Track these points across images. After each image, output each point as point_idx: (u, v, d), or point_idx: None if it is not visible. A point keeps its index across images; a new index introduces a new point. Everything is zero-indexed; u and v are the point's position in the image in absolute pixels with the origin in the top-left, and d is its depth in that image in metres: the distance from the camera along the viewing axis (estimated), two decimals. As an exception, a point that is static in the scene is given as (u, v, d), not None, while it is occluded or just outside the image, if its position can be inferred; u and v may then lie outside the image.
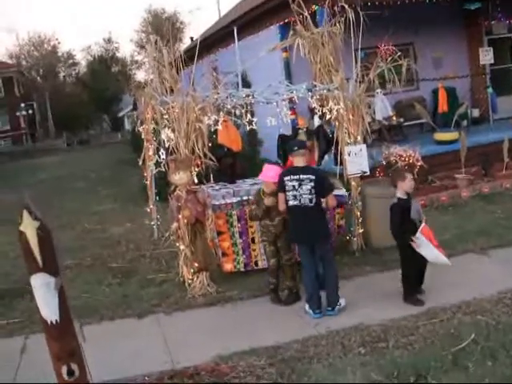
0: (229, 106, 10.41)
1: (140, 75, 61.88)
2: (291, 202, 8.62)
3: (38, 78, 65.46)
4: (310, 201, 8.47)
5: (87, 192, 22.02)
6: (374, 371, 6.82)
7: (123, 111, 63.25)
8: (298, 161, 8.71)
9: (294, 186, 8.53)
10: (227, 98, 10.29)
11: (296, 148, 8.75)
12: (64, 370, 4.77)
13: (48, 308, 4.63)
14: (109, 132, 64.57)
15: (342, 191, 10.67)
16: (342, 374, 6.88)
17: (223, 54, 23.54)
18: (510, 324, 7.64)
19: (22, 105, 57.48)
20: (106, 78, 63.90)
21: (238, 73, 13.16)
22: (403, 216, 8.44)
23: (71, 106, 59.47)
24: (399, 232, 8.51)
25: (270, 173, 9.15)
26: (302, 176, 8.51)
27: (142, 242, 13.47)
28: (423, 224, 8.38)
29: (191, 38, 35.55)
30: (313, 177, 8.47)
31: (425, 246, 8.34)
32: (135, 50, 68.67)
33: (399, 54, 11.05)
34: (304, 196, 8.48)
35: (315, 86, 11.10)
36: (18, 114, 57.50)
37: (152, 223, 13.30)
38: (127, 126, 55.70)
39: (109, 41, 68.66)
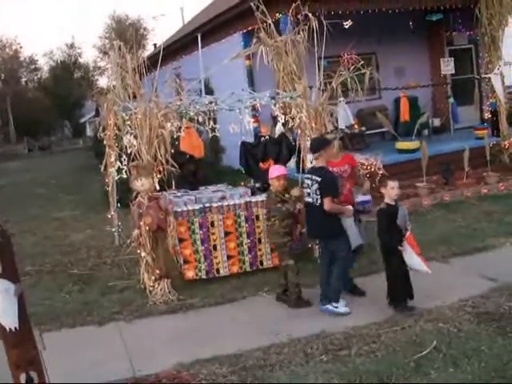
0: (192, 113, 10.40)
1: (103, 81, 61.37)
2: (306, 199, 9.09)
3: (0, 82, 64.78)
4: (317, 200, 8.78)
5: (48, 198, 21.77)
6: (336, 379, 6.80)
7: (85, 117, 62.84)
8: (318, 161, 9.06)
9: (308, 185, 8.99)
10: (190, 104, 10.27)
11: (315, 148, 9.07)
12: (23, 377, 4.69)
13: (7, 315, 4.56)
14: (70, 138, 63.95)
15: (367, 197, 10.55)
16: (303, 381, 6.86)
17: (187, 61, 23.50)
18: (472, 332, 7.69)
19: (-17, 109, 57.00)
20: (69, 84, 63.29)
21: (201, 80, 13.14)
22: (390, 222, 8.46)
23: (33, 111, 58.79)
24: (385, 237, 8.55)
25: (274, 173, 9.43)
26: (313, 176, 8.93)
27: (103, 248, 13.34)
28: (408, 232, 8.43)
29: (154, 45, 35.46)
30: (318, 179, 8.78)
31: (409, 253, 8.41)
32: (98, 56, 68.29)
33: (362, 62, 11.11)
34: (314, 195, 8.83)
35: (278, 93, 11.13)
36: (-22, 118, 57.06)
37: (113, 230, 13.23)
38: (89, 132, 55.35)
39: (71, 46, 68.04)
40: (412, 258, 8.42)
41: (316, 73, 11.44)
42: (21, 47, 67.74)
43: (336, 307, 8.80)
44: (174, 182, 11.95)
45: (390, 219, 8.47)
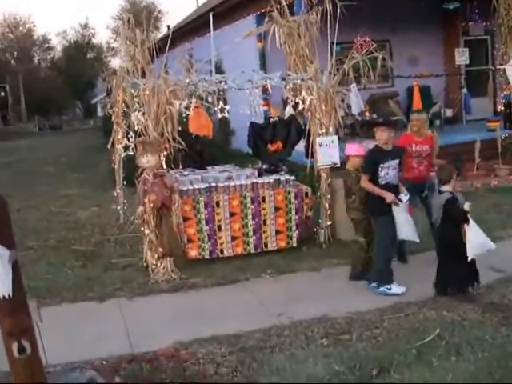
0: (201, 91, 10.29)
1: (115, 62, 61.26)
2: None
3: (12, 60, 64.69)
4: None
5: (56, 176, 21.72)
6: (336, 363, 6.72)
7: (97, 98, 62.71)
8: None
9: None
10: (199, 82, 10.16)
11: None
12: (15, 346, 4.59)
13: (0, 281, 4.46)
14: (81, 118, 63.85)
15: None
16: (303, 364, 6.78)
17: (199, 43, 23.35)
18: (476, 321, 7.60)
19: (-6, 87, 56.87)
20: (81, 64, 63.25)
21: (212, 60, 13.04)
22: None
23: (45, 90, 58.68)
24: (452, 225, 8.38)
25: (350, 149, 9.49)
26: None
27: (107, 226, 13.29)
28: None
29: (168, 27, 35.24)
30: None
31: (474, 229, 8.20)
32: (111, 37, 68.07)
33: (375, 45, 10.95)
34: None
35: (289, 75, 11.01)
36: (-11, 95, 56.92)
37: (118, 208, 13.17)
38: (100, 112, 55.22)
39: (85, 26, 67.88)
40: (478, 233, 8.23)
41: (328, 57, 11.29)
42: (34, 26, 67.62)
43: (389, 288, 8.73)
44: (180, 162, 11.81)
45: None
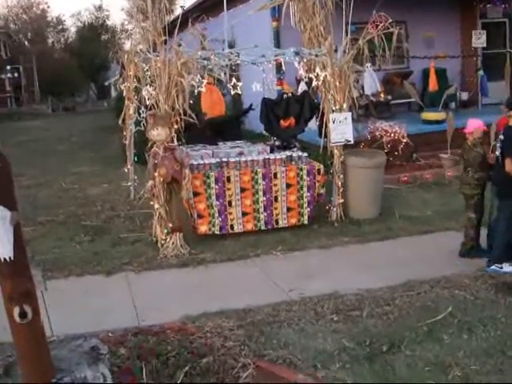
0: (213, 65, 10.15)
1: (129, 45, 61.06)
2: (497, 152, 8.76)
3: (26, 41, 64.53)
4: (498, 159, 8.59)
5: (68, 154, 21.64)
6: (345, 338, 6.67)
7: (110, 80, 62.60)
8: (510, 118, 8.70)
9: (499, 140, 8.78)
10: (212, 55, 10.01)
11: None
12: (16, 311, 4.48)
13: (1, 243, 4.34)
14: (95, 100, 63.80)
15: None
16: (312, 339, 6.72)
17: (212, 24, 23.09)
18: (489, 300, 7.53)
19: (8, 67, 56.72)
20: (95, 46, 63.09)
21: (225, 40, 12.89)
22: None
23: (58, 71, 58.52)
24: None
25: (473, 124, 9.24)
26: (501, 133, 8.71)
27: (117, 202, 13.22)
28: None
29: (182, 7, 34.99)
30: (502, 137, 8.56)
31: None
32: (126, 19, 67.85)
33: (391, 20, 10.74)
34: (498, 152, 8.64)
35: (303, 50, 10.85)
36: (3, 76, 56.65)
37: (129, 184, 13.08)
38: (113, 94, 55.19)
39: (99, 8, 67.66)
40: None
41: (343, 36, 11.09)
42: (48, 7, 67.71)
43: (500, 267, 8.52)
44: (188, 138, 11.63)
45: None
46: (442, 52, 19.25)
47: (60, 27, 68.86)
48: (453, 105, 18.21)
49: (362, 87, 16.67)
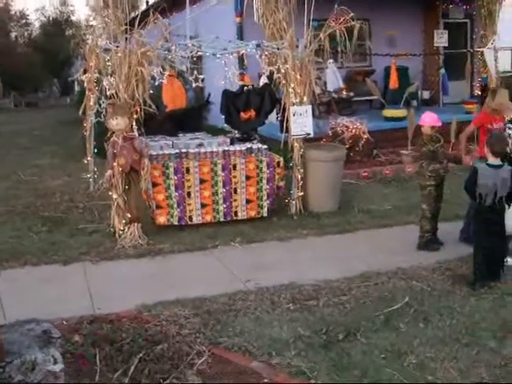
0: (174, 55, 10.12)
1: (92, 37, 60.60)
2: None
3: (-12, 35, 63.88)
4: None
5: (28, 148, 21.40)
6: (301, 327, 6.70)
7: (74, 76, 62.11)
8: None
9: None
10: (172, 46, 9.98)
11: None
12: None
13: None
14: (58, 96, 63.20)
15: None
16: (268, 327, 6.73)
17: (176, 19, 23.03)
18: (445, 291, 7.63)
19: (-30, 61, 56.15)
20: (60, 42, 62.49)
21: (187, 35, 12.83)
22: None
23: (21, 67, 57.89)
24: None
25: (426, 119, 9.33)
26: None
27: (77, 194, 13.08)
28: None
29: (147, 3, 34.91)
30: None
31: None
32: (90, 14, 67.33)
33: (352, 14, 10.78)
34: None
35: (264, 43, 10.87)
36: (-36, 70, 56.21)
37: (88, 175, 12.98)
38: (77, 89, 54.81)
39: (64, 3, 67.14)
40: None
41: (305, 31, 11.10)
42: (12, 0, 66.68)
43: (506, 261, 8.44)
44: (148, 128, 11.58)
45: None
46: (405, 50, 19.41)
47: (23, 21, 68.06)
48: (414, 103, 18.41)
49: (325, 84, 16.77)
